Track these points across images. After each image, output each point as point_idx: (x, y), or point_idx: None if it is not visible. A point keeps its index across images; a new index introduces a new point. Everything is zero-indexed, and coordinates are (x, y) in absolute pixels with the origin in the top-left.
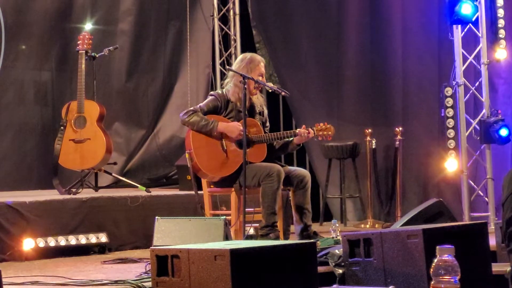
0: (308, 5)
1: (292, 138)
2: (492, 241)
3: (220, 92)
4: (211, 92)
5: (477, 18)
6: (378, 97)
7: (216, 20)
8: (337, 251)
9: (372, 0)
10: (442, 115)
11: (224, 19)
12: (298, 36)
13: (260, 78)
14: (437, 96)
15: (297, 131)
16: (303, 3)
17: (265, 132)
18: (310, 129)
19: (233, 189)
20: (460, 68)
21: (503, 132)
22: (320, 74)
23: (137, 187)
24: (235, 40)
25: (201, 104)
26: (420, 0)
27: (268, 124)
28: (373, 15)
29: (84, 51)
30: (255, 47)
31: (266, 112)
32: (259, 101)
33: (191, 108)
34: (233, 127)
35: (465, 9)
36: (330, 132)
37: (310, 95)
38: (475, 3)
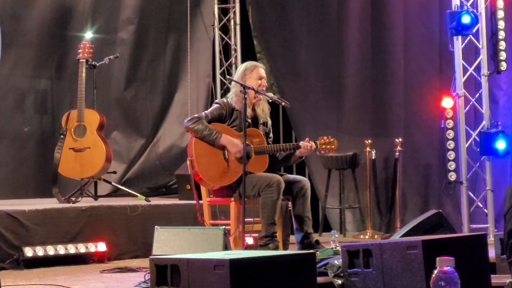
0: (309, 16)
1: (294, 151)
2: (492, 253)
3: (225, 100)
4: (216, 100)
5: (478, 29)
6: (378, 108)
7: (216, 30)
8: (336, 261)
9: (373, 10)
10: (442, 126)
11: (225, 29)
12: (298, 46)
13: (259, 81)
14: (437, 107)
15: (300, 144)
16: (304, 13)
17: (268, 143)
18: (312, 142)
19: (232, 198)
20: (460, 79)
21: (501, 144)
22: (320, 84)
23: (136, 196)
24: (235, 50)
25: (206, 111)
26: (421, 11)
27: (271, 135)
28: (374, 25)
29: (84, 60)
30: (255, 57)
31: (270, 122)
32: (264, 113)
33: (196, 115)
34: (235, 145)
35: (465, 19)
36: (333, 146)
37: (309, 105)
38: (476, 14)
